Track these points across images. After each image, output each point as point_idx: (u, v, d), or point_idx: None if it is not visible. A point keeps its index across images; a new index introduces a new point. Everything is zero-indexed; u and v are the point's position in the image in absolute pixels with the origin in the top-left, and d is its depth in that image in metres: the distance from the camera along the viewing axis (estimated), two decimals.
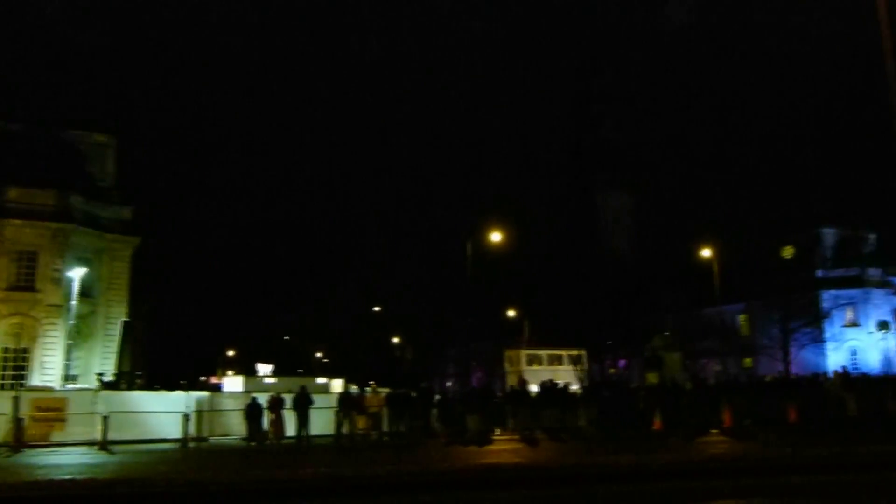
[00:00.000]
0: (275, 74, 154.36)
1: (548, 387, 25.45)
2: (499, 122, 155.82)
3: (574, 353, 60.02)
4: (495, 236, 36.04)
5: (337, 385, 35.70)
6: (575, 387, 41.40)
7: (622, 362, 69.17)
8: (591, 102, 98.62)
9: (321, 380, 37.01)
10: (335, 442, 23.33)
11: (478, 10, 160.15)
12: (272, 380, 35.08)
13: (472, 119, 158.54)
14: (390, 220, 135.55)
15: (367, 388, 27.88)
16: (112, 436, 21.11)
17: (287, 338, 79.94)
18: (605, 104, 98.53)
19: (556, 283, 72.07)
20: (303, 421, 23.25)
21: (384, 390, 27.91)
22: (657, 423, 23.85)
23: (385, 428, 24.77)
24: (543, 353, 78.21)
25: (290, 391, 24.78)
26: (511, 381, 55.62)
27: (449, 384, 72.87)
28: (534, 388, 28.29)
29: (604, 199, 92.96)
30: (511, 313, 72.24)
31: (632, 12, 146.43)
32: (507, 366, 77.25)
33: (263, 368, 45.60)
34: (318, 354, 75.62)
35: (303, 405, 23.45)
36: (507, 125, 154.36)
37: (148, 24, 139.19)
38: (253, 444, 22.89)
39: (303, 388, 24.45)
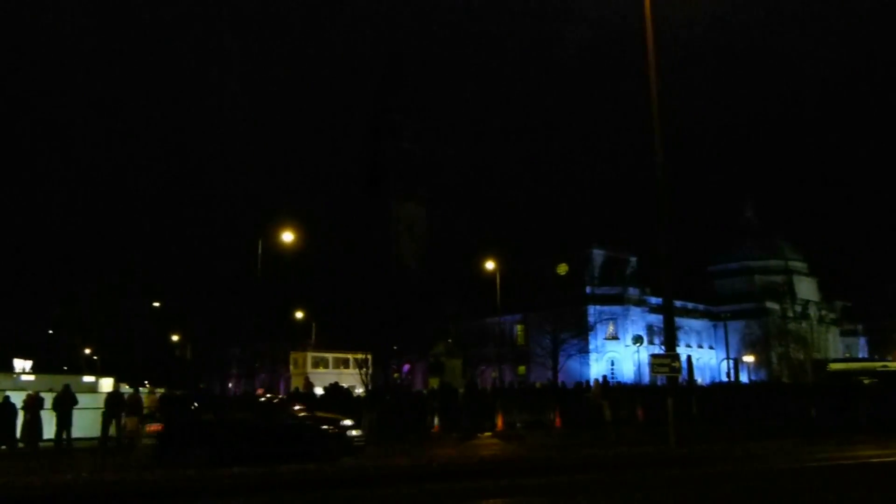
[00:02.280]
0: (45, 67, 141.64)
1: (332, 390, 25.58)
2: (297, 127, 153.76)
3: (360, 356, 60.52)
4: (287, 236, 35.49)
5: (106, 384, 33.56)
6: (359, 390, 41.96)
7: (406, 367, 70.82)
8: (390, 112, 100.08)
9: (88, 378, 34.60)
10: (101, 445, 21.83)
11: (292, 9, 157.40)
12: (30, 377, 32.30)
13: (270, 119, 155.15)
14: (174, 213, 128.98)
15: (143, 389, 26.45)
16: None
17: (51, 332, 73.36)
18: (403, 115, 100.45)
19: (345, 286, 72.35)
20: (64, 422, 21.59)
21: (160, 390, 26.61)
22: (436, 426, 24.83)
23: None
24: (329, 356, 78.25)
25: (51, 390, 22.93)
26: (296, 382, 55.00)
27: (231, 385, 70.54)
28: (319, 390, 28.30)
29: (397, 208, 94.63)
30: (299, 315, 71.49)
31: (436, 24, 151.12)
32: (292, 368, 76.34)
33: (21, 364, 41.78)
34: (88, 351, 70.01)
35: (65, 405, 21.76)
36: (306, 130, 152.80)
37: None
38: (3, 447, 20.88)
39: (66, 387, 22.70)
